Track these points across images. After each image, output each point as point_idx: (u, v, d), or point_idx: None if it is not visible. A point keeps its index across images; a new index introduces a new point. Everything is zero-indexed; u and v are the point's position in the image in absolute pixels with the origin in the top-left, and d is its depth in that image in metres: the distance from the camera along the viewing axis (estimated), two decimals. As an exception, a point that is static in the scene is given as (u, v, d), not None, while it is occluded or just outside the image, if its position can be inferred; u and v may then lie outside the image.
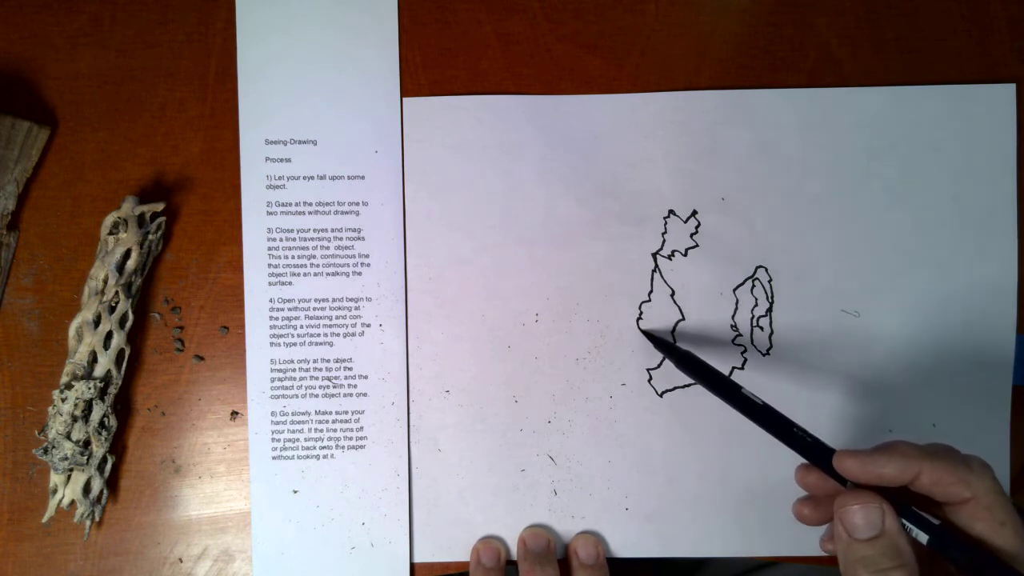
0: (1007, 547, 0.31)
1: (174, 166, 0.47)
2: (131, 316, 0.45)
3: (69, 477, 0.44)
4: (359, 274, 0.47)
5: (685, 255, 0.47)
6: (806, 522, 0.38)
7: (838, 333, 0.47)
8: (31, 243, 0.46)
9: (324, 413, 0.47)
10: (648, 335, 0.47)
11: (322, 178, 0.47)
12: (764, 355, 0.47)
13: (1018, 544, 0.31)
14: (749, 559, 0.53)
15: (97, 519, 0.45)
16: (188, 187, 0.47)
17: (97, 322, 0.44)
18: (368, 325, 0.47)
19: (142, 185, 0.47)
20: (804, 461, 0.37)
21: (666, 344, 0.46)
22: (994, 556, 0.32)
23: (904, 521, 0.33)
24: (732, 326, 0.47)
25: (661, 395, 0.47)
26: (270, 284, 0.47)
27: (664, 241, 0.47)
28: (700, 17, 0.48)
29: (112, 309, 0.44)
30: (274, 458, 0.46)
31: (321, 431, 0.47)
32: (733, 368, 0.47)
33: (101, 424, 0.44)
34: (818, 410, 0.47)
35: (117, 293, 0.44)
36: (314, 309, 0.47)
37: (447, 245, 0.47)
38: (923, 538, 0.32)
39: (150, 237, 0.45)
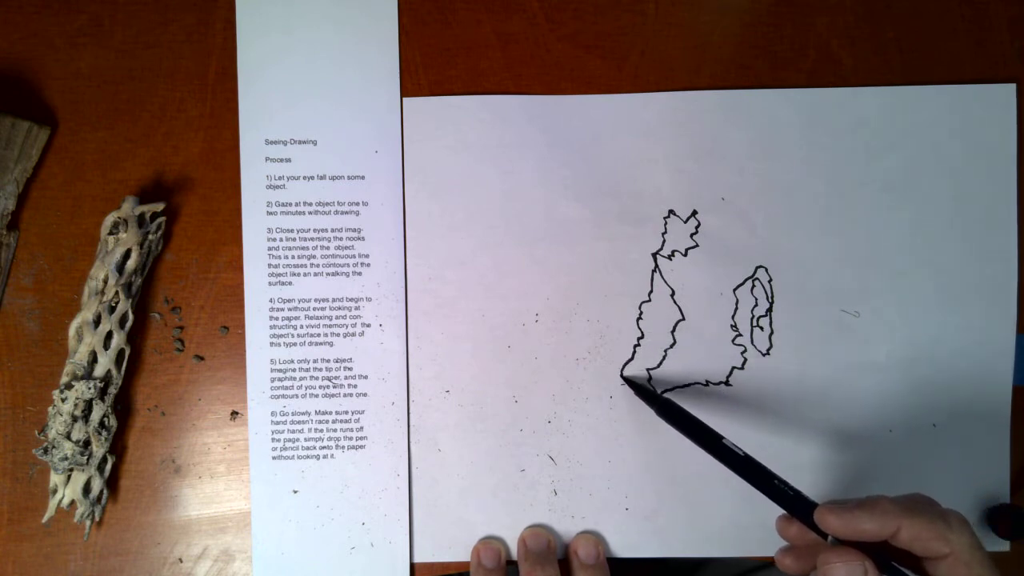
0: None
1: (174, 166, 0.47)
2: (131, 316, 0.45)
3: (69, 477, 0.44)
4: (359, 274, 0.47)
5: (685, 255, 0.47)
6: (789, 571, 0.39)
7: (838, 333, 0.47)
8: (31, 243, 0.46)
9: (324, 413, 0.47)
10: (630, 382, 0.46)
11: (322, 178, 0.47)
12: (764, 355, 0.47)
13: None
14: (749, 559, 0.52)
15: (97, 519, 0.45)
16: (188, 187, 0.47)
17: (97, 322, 0.44)
18: (368, 325, 0.47)
19: (142, 185, 0.47)
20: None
21: (648, 392, 0.46)
22: None
23: None
24: (732, 326, 0.47)
25: (661, 395, 0.47)
26: (270, 284, 0.47)
27: (664, 241, 0.47)
28: (700, 17, 0.48)
29: (112, 309, 0.44)
30: (274, 458, 0.46)
31: (321, 431, 0.47)
32: (733, 368, 0.47)
33: (101, 424, 0.44)
34: (817, 411, 0.47)
35: (117, 293, 0.44)
36: (314, 309, 0.47)
37: (447, 245, 0.47)
38: None
39: (150, 237, 0.45)
